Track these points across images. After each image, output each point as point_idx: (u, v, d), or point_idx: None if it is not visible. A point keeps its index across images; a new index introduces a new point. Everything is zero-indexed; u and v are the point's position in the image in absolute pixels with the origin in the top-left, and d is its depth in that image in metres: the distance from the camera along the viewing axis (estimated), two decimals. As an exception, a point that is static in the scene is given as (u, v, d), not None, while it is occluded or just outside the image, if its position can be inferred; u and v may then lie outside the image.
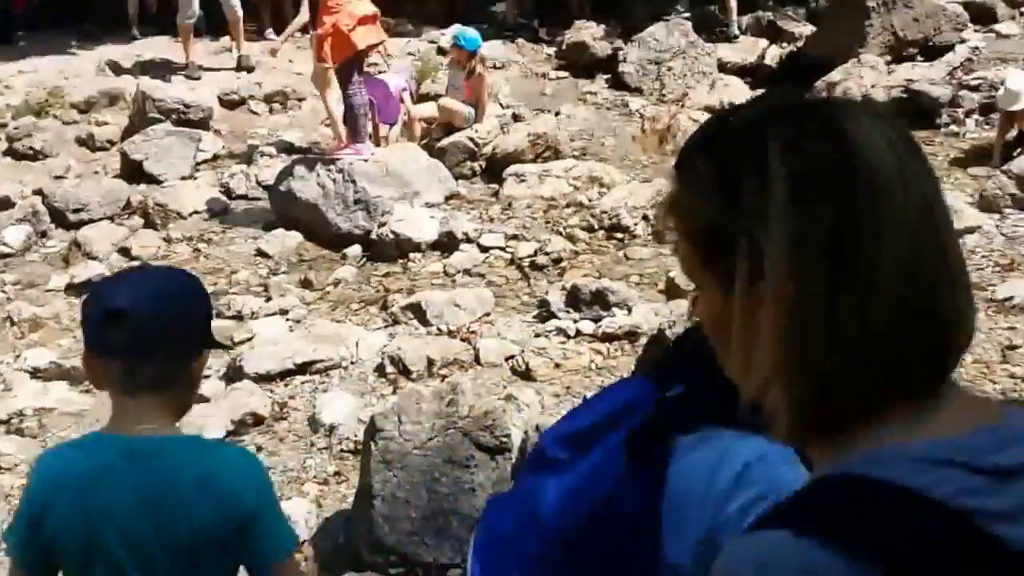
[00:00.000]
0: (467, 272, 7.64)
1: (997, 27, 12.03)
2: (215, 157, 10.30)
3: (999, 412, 1.05)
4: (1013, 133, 9.31)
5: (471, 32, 10.42)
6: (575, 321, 6.65)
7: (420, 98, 10.82)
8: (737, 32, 12.89)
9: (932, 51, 11.43)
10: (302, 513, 4.80)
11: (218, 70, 12.23)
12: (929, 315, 0.99)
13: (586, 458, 1.53)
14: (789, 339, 0.99)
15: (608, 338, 6.43)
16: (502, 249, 7.94)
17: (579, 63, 12.59)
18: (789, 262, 0.97)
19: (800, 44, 12.16)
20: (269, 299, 7.33)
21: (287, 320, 7.00)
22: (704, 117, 9.96)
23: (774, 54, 12.31)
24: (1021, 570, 0.95)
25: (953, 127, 10.24)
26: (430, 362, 6.15)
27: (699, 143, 1.08)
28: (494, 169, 9.54)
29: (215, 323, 6.68)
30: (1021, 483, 0.98)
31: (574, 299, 6.77)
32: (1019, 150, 9.09)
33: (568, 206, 8.64)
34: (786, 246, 0.97)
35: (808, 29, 12.25)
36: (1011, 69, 10.38)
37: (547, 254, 7.71)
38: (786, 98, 1.07)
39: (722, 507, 1.43)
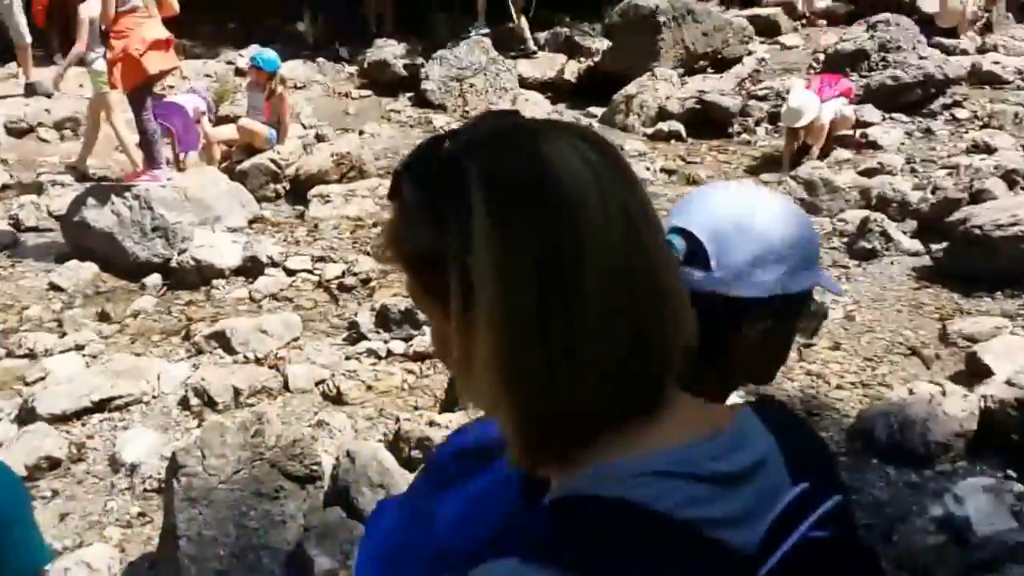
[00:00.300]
0: (273, 297, 7.46)
1: (781, 39, 12.60)
2: (3, 188, 9.78)
3: (725, 417, 1.07)
4: (801, 142, 9.75)
5: (269, 53, 10.24)
6: (386, 342, 6.59)
7: (219, 120, 10.54)
8: (535, 48, 13.07)
9: (721, 63, 11.88)
10: (104, 560, 4.56)
11: (4, 97, 11.64)
12: (639, 330, 0.99)
13: (484, 475, 1.47)
14: (503, 364, 0.98)
15: (420, 357, 6.38)
16: (309, 272, 7.80)
17: (381, 81, 12.56)
18: (496, 287, 0.96)
19: (597, 59, 12.41)
20: (64, 335, 6.97)
21: (83, 356, 6.66)
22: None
23: (573, 69, 12.54)
24: (749, 573, 0.97)
25: (745, 136, 10.66)
26: (236, 392, 5.96)
27: (406, 172, 1.05)
28: (298, 190, 9.40)
29: (5, 363, 6.25)
30: (744, 488, 1.00)
31: (384, 319, 6.70)
32: (805, 157, 9.52)
33: (375, 225, 8.57)
34: (492, 271, 0.96)
35: (604, 44, 12.53)
36: (794, 80, 10.88)
37: (355, 275, 7.61)
38: (488, 124, 1.05)
39: None
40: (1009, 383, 5.33)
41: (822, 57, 11.61)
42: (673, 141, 10.62)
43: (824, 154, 9.56)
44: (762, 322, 1.57)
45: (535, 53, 12.99)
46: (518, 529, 0.99)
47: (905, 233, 7.81)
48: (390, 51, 12.87)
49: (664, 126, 10.76)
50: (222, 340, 6.59)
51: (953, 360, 6.19)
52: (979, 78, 10.97)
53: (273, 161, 9.56)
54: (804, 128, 9.53)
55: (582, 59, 12.74)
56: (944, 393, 5.41)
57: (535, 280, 0.95)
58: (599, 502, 0.95)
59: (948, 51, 11.55)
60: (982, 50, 11.68)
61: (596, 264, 0.96)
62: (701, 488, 0.97)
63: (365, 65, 12.83)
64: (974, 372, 5.85)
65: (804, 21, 13.05)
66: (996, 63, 11.15)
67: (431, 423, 5.37)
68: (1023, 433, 5.07)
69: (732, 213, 1.61)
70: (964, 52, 11.61)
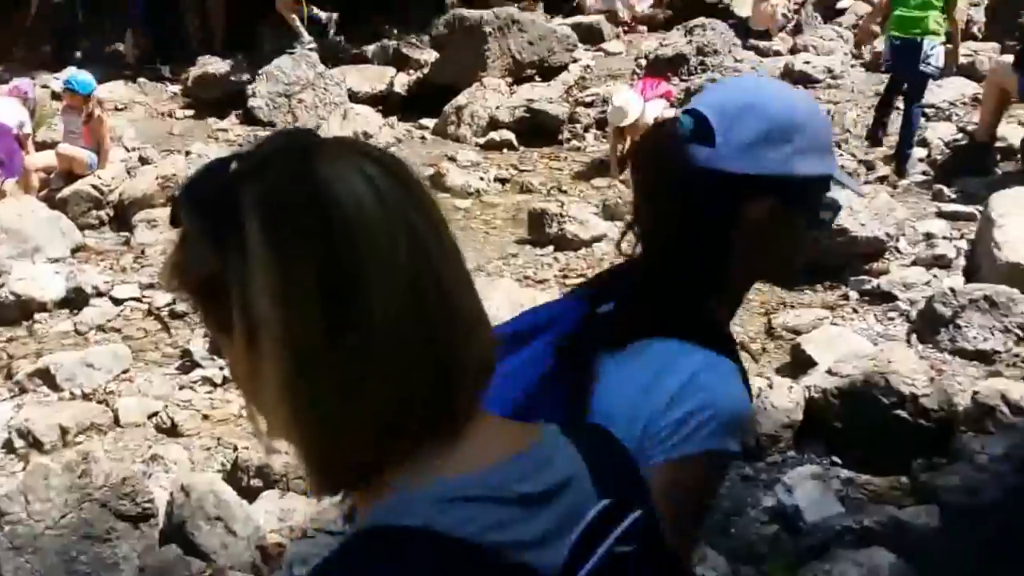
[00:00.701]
0: (100, 328, 7.22)
1: (604, 46, 12.83)
2: None
3: (530, 436, 1.07)
4: (627, 144, 9.94)
5: (84, 75, 9.91)
6: (221, 368, 6.43)
7: (37, 147, 10.13)
8: (309, 39, 12.69)
9: (548, 71, 12.02)
10: (-75, 618, 4.33)
11: None
12: (432, 351, 0.98)
13: (507, 360, 1.49)
14: (291, 394, 0.96)
15: (256, 381, 6.26)
16: (138, 300, 7.56)
17: (207, 100, 12.28)
18: (277, 315, 0.94)
19: (426, 71, 12.41)
20: None
21: None
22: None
23: (403, 81, 12.50)
24: None
25: (575, 142, 10.82)
26: (63, 431, 5.73)
27: (185, 196, 1.02)
28: (123, 216, 9.11)
29: None
30: (548, 508, 1.00)
31: (218, 345, 6.55)
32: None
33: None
34: (271, 299, 0.94)
35: (433, 56, 12.53)
36: (618, 84, 11.10)
37: (187, 301, 7.40)
38: (271, 146, 1.03)
39: (657, 419, 1.44)
40: (830, 372, 5.55)
41: (644, 62, 11.88)
42: (505, 150, 10.71)
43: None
44: (767, 200, 1.55)
45: (310, 43, 12.67)
46: (327, 561, 0.97)
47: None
48: (215, 68, 12.59)
49: (495, 135, 10.84)
50: (46, 377, 6.34)
51: (779, 352, 6.42)
52: (792, 78, 11.39)
53: (95, 187, 9.25)
54: (630, 128, 9.70)
55: (411, 71, 12.71)
56: (771, 386, 5.60)
57: (317, 306, 0.94)
58: (403, 532, 0.93)
59: (762, 53, 11.97)
60: (794, 51, 12.15)
61: (380, 285, 0.95)
62: (507, 511, 0.97)
63: (189, 83, 12.53)
64: (798, 363, 6.08)
65: (625, 28, 13.32)
66: (807, 63, 11.60)
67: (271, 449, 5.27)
68: (845, 420, 5.30)
69: (741, 94, 1.62)
70: (777, 53, 12.06)
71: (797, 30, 12.57)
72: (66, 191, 9.23)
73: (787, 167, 1.55)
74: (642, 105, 9.65)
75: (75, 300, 7.51)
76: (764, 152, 1.54)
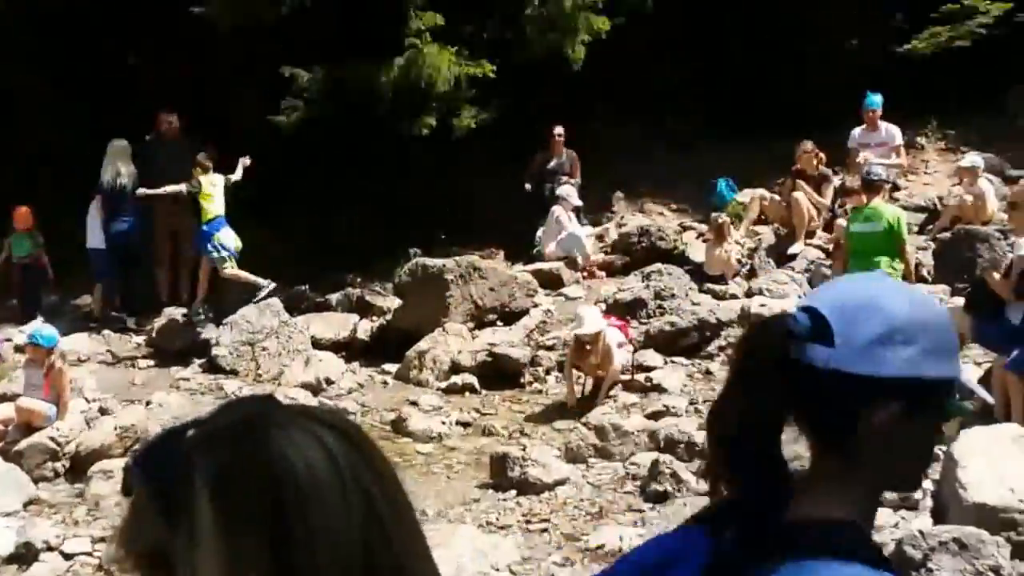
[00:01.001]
0: (48, 585, 6.99)
1: (564, 291, 13.07)
2: None
3: None
4: (587, 381, 10.00)
5: (48, 329, 10.02)
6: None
7: (-3, 399, 10.08)
8: (267, 284, 12.59)
9: (509, 316, 12.21)
10: None
11: None
12: None
13: None
14: None
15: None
16: (88, 555, 7.38)
17: (170, 350, 12.31)
18: None
19: (389, 317, 12.57)
20: None
21: None
22: (301, 395, 9.98)
23: (366, 328, 12.63)
24: None
25: (536, 385, 10.88)
26: None
27: (137, 467, 1.02)
28: (79, 467, 8.98)
29: None
30: None
31: (170, 601, 6.32)
32: (595, 401, 9.76)
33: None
34: (218, 572, 0.91)
35: (395, 302, 12.71)
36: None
37: (133, 572, 7.20)
38: (227, 415, 1.03)
39: None
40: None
41: (603, 306, 12.09)
42: (467, 394, 10.75)
43: (608, 391, 9.79)
44: (891, 404, 1.44)
45: (270, 286, 12.59)
46: None
47: (694, 474, 8.00)
48: (179, 318, 12.69)
49: (457, 379, 10.90)
50: (-14, 638, 6.08)
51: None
52: (749, 320, 11.65)
53: (52, 439, 9.15)
54: (592, 353, 9.75)
55: (375, 317, 12.87)
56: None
57: None
58: None
59: (718, 296, 12.25)
60: (749, 294, 12.42)
61: (331, 556, 0.93)
62: None
63: (153, 334, 12.59)
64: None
65: (584, 273, 13.63)
66: (763, 305, 11.80)
67: None
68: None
69: (859, 291, 1.53)
70: (733, 296, 12.33)
71: (751, 274, 12.90)
72: (23, 444, 9.12)
73: (913, 369, 1.45)
74: (604, 324, 9.82)
75: (25, 556, 7.31)
76: (887, 353, 1.44)
